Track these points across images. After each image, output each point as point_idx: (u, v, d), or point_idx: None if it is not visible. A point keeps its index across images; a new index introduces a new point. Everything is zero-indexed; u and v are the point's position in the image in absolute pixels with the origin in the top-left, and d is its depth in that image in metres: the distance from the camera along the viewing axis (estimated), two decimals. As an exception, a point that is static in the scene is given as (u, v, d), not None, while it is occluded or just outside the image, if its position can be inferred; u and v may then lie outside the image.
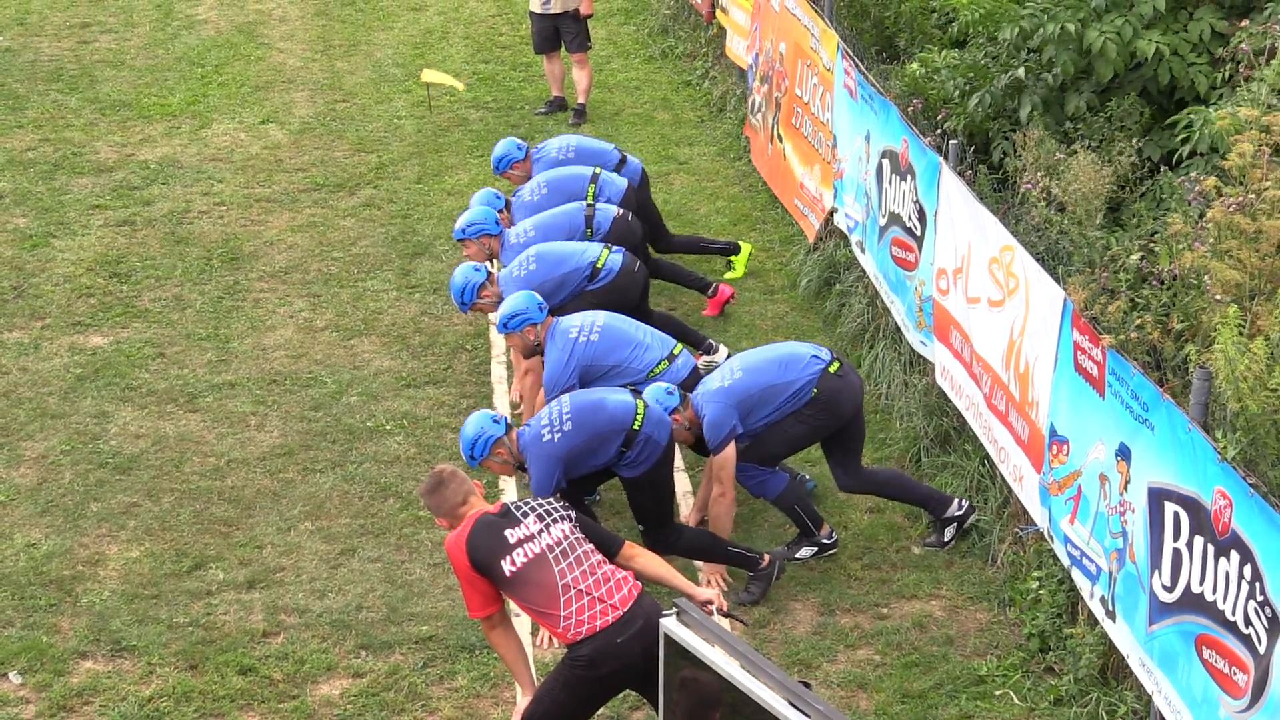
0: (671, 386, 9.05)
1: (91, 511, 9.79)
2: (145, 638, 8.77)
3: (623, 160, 11.84)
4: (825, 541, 9.38)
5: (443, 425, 10.49)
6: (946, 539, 9.40)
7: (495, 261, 10.90)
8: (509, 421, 8.68)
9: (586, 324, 9.62)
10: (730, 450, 8.98)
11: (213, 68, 16.46)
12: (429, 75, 15.04)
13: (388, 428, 10.58)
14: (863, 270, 11.47)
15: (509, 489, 9.83)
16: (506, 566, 7.32)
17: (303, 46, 17.01)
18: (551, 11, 15.00)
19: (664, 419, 8.74)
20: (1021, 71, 10.82)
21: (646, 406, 8.69)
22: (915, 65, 11.62)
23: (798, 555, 9.33)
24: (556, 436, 8.59)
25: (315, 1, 18.30)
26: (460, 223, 10.80)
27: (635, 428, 8.59)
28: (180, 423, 10.67)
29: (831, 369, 9.18)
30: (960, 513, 9.39)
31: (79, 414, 10.74)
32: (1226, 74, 9.86)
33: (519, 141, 11.87)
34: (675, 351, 9.61)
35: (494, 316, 10.76)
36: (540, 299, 9.69)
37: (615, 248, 10.48)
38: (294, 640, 8.77)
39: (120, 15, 17.70)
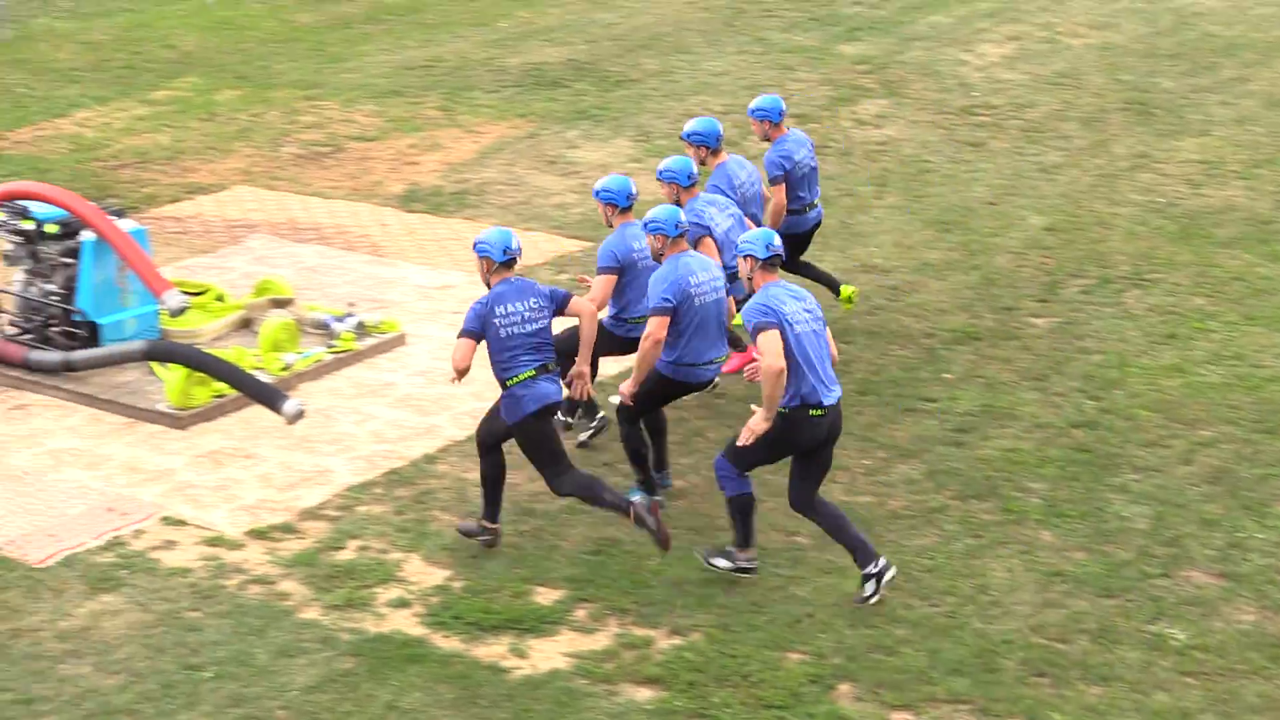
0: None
1: None
2: None
3: None
4: (744, 565, 10.46)
5: None
6: (866, 595, 10.18)
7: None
8: (512, 259, 10.51)
9: (710, 284, 11.02)
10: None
11: None
12: None
13: None
14: None
15: None
16: None
17: None
18: None
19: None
20: None
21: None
22: None
23: (713, 562, 10.49)
24: (509, 323, 10.43)
25: None
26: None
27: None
28: None
29: (816, 414, 10.03)
30: (877, 570, 10.14)
31: None
32: None
33: (782, 107, 13.51)
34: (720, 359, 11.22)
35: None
36: (680, 219, 11.02)
37: None
38: None
39: None
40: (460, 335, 10.47)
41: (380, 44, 23.74)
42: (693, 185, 12.20)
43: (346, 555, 10.85)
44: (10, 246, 13.65)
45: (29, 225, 13.49)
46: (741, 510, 10.44)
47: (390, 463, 12.06)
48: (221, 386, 12.67)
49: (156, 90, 21.44)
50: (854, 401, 12.96)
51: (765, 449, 10.19)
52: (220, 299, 14.36)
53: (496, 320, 10.44)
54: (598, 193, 11.80)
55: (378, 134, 19.54)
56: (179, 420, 12.49)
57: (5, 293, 13.79)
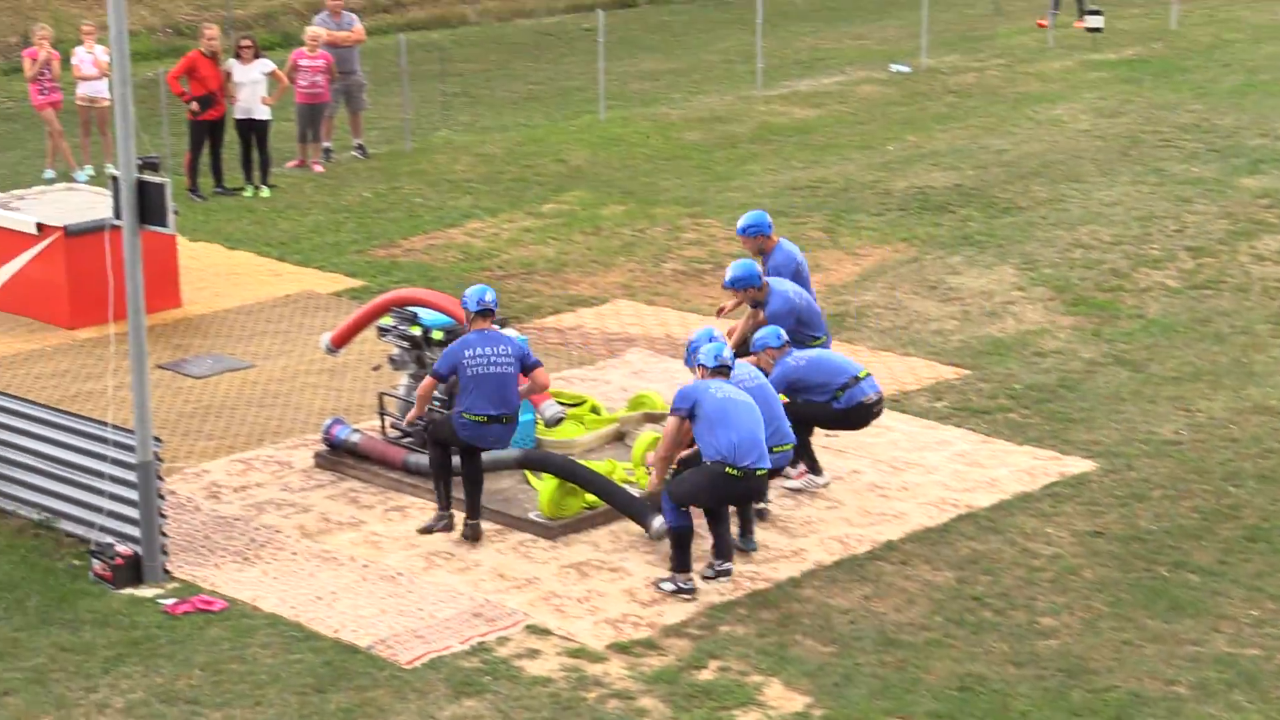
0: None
1: None
2: None
3: None
4: (683, 586, 11.83)
5: None
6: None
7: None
8: (486, 310, 12.59)
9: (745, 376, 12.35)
10: None
11: None
12: None
13: None
14: None
15: None
16: None
17: None
18: None
19: None
20: None
21: None
22: None
23: (662, 585, 11.92)
24: (475, 363, 12.45)
25: None
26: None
27: None
28: None
29: (732, 472, 11.64)
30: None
31: None
32: None
33: (769, 220, 14.33)
34: None
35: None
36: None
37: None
38: None
39: None
40: (430, 374, 12.52)
41: (766, 164, 24.03)
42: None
43: (707, 675, 10.87)
44: (398, 351, 14.16)
45: (416, 331, 13.98)
46: (679, 541, 11.81)
47: (755, 584, 12.07)
48: (593, 498, 12.88)
49: (545, 203, 22.08)
50: (1241, 548, 12.50)
51: (693, 495, 11.80)
52: (596, 411, 14.63)
53: (465, 361, 12.32)
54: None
55: (759, 253, 19.74)
56: (549, 530, 12.72)
57: (390, 396, 14.29)
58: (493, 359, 12.39)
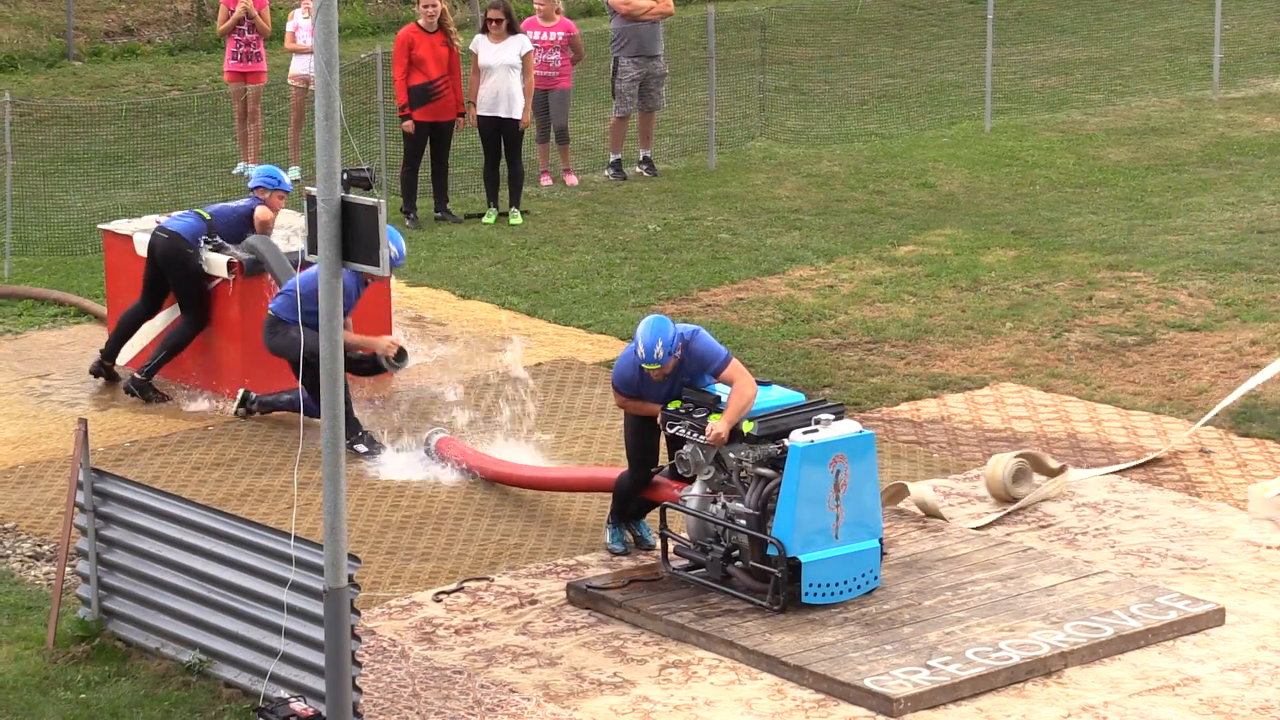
0: None
1: None
2: None
3: None
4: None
5: None
6: None
7: None
8: None
9: None
10: None
11: None
12: None
13: None
14: None
15: None
16: None
17: None
18: None
19: None
20: None
21: None
22: None
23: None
24: None
25: None
26: None
27: None
28: None
29: None
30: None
31: None
32: None
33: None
34: None
35: None
36: None
37: None
38: None
39: None
40: None
41: (1222, 194, 23.77)
42: None
43: None
44: (689, 449, 14.22)
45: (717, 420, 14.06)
46: None
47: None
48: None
49: (902, 245, 22.11)
50: None
51: None
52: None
53: None
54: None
55: (1206, 322, 19.52)
56: (891, 703, 12.69)
57: (678, 509, 14.37)
58: None
